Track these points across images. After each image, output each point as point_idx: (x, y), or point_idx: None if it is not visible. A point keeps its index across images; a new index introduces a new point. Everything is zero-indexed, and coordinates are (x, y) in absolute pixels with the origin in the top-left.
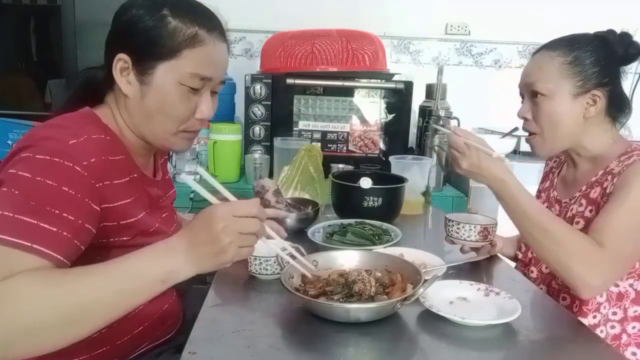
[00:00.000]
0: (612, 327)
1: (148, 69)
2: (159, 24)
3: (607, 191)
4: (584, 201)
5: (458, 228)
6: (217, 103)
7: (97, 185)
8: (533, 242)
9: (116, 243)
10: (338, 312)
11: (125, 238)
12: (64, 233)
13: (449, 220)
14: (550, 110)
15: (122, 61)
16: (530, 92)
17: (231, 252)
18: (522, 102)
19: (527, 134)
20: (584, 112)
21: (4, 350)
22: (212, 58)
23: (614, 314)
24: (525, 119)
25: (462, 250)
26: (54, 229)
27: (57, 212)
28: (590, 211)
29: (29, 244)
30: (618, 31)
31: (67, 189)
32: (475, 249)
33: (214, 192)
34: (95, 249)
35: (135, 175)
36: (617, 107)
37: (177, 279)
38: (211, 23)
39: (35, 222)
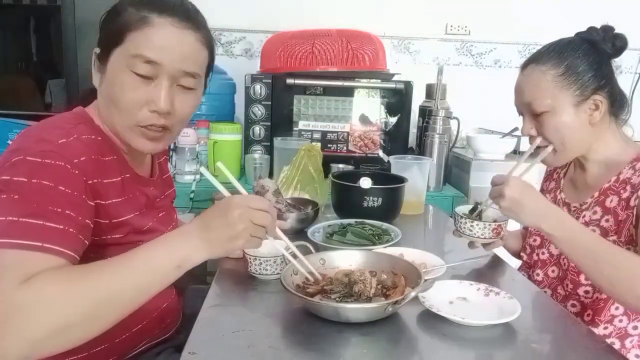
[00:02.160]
0: (631, 341)
1: (105, 57)
2: (118, 12)
3: (631, 204)
4: (598, 209)
5: (472, 225)
6: (193, 102)
7: (89, 182)
8: (594, 274)
9: (110, 241)
10: (328, 310)
11: (118, 236)
12: (70, 230)
13: (462, 217)
14: (555, 124)
15: (94, 55)
16: (529, 110)
17: (243, 239)
18: (522, 120)
19: (529, 142)
20: (589, 119)
21: (36, 349)
22: (159, 40)
23: (635, 328)
24: (531, 136)
25: (471, 245)
26: (61, 227)
27: (60, 210)
28: (607, 220)
29: (40, 244)
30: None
31: (63, 188)
32: (485, 244)
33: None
34: (91, 246)
35: (127, 175)
36: (619, 105)
37: (191, 264)
38: (167, 7)
39: (42, 222)
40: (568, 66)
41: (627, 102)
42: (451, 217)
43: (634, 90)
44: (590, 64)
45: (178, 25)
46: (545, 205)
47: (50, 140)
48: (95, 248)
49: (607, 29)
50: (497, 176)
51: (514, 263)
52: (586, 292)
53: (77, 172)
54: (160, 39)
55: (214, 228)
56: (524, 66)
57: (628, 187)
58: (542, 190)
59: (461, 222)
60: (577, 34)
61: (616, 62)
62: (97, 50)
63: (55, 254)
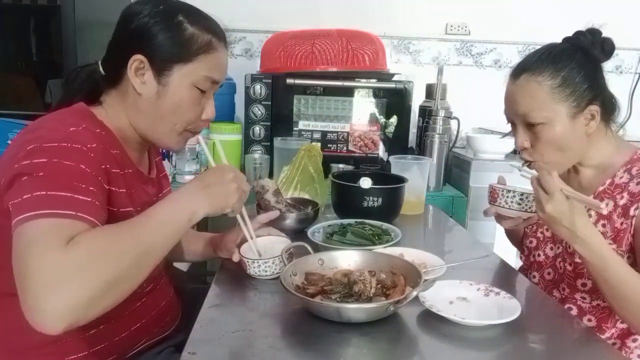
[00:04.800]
0: (634, 340)
1: (165, 70)
2: (178, 29)
3: (630, 213)
4: (593, 213)
5: (521, 199)
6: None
7: (102, 166)
8: (618, 307)
9: None
10: (329, 311)
11: None
12: (97, 202)
13: (510, 191)
14: (551, 137)
15: (137, 61)
16: (524, 122)
17: (235, 197)
18: (512, 129)
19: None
20: (585, 129)
21: (91, 307)
22: (221, 63)
23: None
24: (525, 148)
25: (508, 222)
26: (88, 199)
27: (84, 186)
28: (603, 226)
29: (74, 213)
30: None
31: (84, 167)
32: (509, 221)
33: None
34: None
35: (130, 170)
36: (611, 109)
37: (198, 217)
38: (221, 32)
39: (70, 194)
40: (565, 77)
41: (619, 106)
42: (451, 216)
43: (634, 90)
44: (585, 75)
45: (225, 47)
46: (582, 229)
47: (61, 129)
48: None
49: (595, 32)
50: (547, 180)
51: (514, 263)
52: (583, 297)
53: (92, 155)
54: (222, 63)
55: (213, 185)
56: (516, 75)
57: (625, 194)
58: None
59: (507, 196)
60: (565, 40)
61: (616, 62)
62: (143, 58)
63: (87, 223)
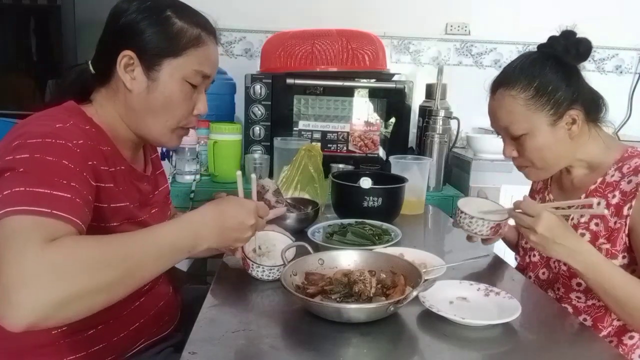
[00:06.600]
0: (631, 337)
1: (155, 65)
2: (166, 24)
3: (624, 212)
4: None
5: (470, 222)
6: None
7: (89, 162)
8: (621, 312)
9: (106, 229)
10: (329, 311)
11: (114, 224)
12: (77, 200)
13: (462, 212)
14: (535, 145)
15: (127, 57)
16: (507, 134)
17: (244, 242)
18: (502, 140)
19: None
20: (568, 134)
21: (57, 311)
22: (211, 58)
23: None
24: (514, 157)
25: (469, 239)
26: (68, 196)
27: (65, 182)
28: (597, 225)
29: (49, 210)
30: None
31: (67, 162)
32: (483, 240)
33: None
34: (88, 233)
35: (122, 167)
36: (594, 109)
37: (198, 250)
38: (210, 26)
39: (49, 191)
40: (537, 87)
41: (605, 105)
42: (451, 217)
43: (634, 90)
44: (559, 81)
45: (215, 41)
46: (574, 242)
47: (48, 125)
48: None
49: (568, 35)
50: (528, 204)
51: (514, 263)
52: (578, 297)
53: (78, 150)
54: (213, 57)
55: (229, 227)
56: (493, 90)
57: (617, 193)
58: (532, 191)
59: (461, 217)
60: (539, 47)
61: (616, 62)
62: (132, 54)
63: (65, 221)
